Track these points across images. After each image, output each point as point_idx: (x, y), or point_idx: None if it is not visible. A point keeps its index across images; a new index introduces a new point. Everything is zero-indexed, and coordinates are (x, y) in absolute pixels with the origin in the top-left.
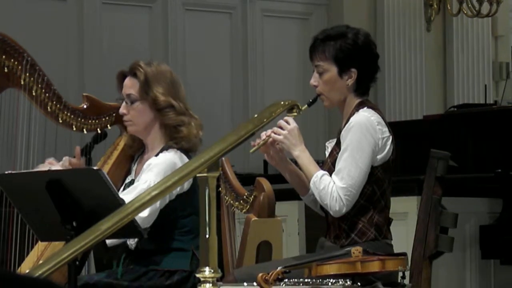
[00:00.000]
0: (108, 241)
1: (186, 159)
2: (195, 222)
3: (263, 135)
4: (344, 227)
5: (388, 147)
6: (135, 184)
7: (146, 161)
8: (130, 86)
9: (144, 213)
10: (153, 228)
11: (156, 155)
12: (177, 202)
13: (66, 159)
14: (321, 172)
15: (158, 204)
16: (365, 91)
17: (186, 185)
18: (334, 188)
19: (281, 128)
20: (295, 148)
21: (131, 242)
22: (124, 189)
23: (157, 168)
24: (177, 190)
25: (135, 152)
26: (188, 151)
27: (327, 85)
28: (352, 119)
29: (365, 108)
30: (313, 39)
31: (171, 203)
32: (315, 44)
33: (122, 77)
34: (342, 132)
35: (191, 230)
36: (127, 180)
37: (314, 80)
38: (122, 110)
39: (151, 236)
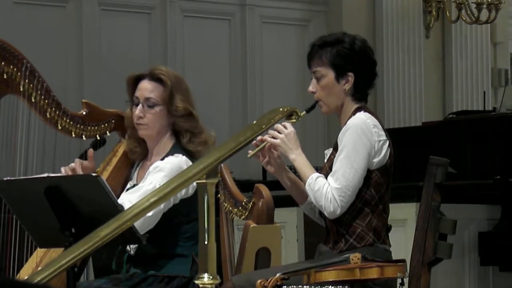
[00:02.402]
0: None
1: (191, 164)
2: (197, 228)
3: (259, 138)
4: (342, 232)
5: (384, 150)
6: (140, 184)
7: (149, 166)
8: (151, 90)
9: (148, 213)
10: (155, 232)
11: (162, 158)
12: (181, 207)
13: (77, 161)
14: (317, 174)
15: (162, 206)
16: (362, 97)
17: (191, 190)
18: (328, 189)
19: (278, 132)
20: (291, 151)
21: (131, 247)
22: None
23: (164, 171)
24: (182, 194)
25: (138, 158)
26: (192, 157)
27: (324, 90)
28: (349, 121)
29: (362, 112)
30: (311, 46)
31: (175, 207)
32: (313, 50)
33: (134, 80)
34: (339, 135)
35: (192, 237)
36: (128, 186)
37: (312, 86)
38: (139, 113)
39: (152, 241)
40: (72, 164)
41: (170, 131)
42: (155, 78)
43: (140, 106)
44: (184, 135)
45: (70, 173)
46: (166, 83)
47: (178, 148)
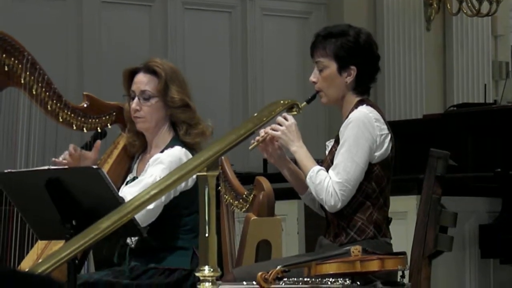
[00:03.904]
0: None
1: (191, 156)
2: (197, 221)
3: (262, 132)
4: (343, 225)
5: (386, 144)
6: (140, 177)
7: (149, 159)
8: (146, 82)
9: (150, 205)
10: (155, 225)
11: (162, 151)
12: (180, 199)
13: (71, 145)
14: (318, 167)
15: (163, 198)
16: (364, 91)
17: (190, 182)
18: (330, 183)
19: (279, 124)
20: (292, 143)
21: (132, 240)
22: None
23: (164, 163)
24: (181, 187)
25: (137, 151)
26: (192, 149)
27: (326, 81)
28: (351, 115)
29: (364, 105)
30: (315, 36)
31: (175, 199)
32: (317, 40)
33: (130, 73)
34: (341, 128)
35: (192, 229)
36: (128, 178)
37: (313, 76)
38: (135, 106)
39: (153, 234)
40: (66, 152)
41: (168, 123)
42: (150, 70)
43: (136, 99)
44: (180, 127)
45: (69, 159)
46: (161, 75)
47: (178, 140)
